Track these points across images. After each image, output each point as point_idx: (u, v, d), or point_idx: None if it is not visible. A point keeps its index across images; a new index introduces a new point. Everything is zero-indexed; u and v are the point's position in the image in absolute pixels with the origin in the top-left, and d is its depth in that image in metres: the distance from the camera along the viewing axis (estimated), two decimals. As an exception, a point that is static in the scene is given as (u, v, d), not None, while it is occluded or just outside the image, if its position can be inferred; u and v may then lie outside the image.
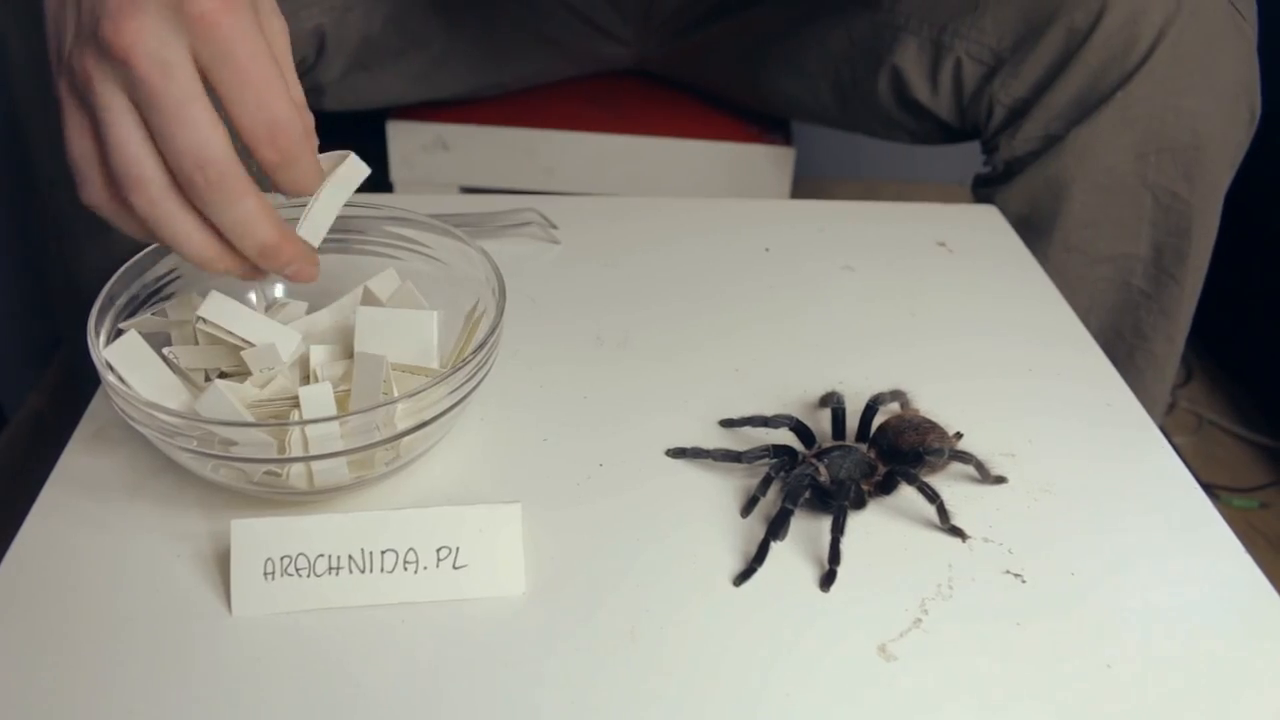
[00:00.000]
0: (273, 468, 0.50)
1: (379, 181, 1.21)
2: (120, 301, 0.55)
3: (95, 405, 0.59)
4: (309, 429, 0.48)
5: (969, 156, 0.93)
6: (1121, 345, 0.87)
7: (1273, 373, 1.53)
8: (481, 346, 0.51)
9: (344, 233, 0.61)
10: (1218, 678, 0.48)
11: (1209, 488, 0.53)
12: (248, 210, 0.46)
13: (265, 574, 0.48)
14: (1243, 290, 1.53)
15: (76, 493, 0.54)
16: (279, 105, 0.46)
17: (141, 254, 0.56)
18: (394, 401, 0.49)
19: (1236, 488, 1.40)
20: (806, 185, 1.07)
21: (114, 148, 0.45)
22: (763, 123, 1.20)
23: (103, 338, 0.53)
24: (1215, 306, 1.50)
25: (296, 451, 0.48)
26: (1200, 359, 1.63)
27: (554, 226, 0.77)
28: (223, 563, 0.50)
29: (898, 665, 0.47)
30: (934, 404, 0.60)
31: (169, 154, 0.45)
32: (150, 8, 0.44)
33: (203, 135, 0.44)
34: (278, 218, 0.47)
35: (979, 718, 0.45)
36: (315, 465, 0.50)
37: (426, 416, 0.50)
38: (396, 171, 1.21)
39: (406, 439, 0.50)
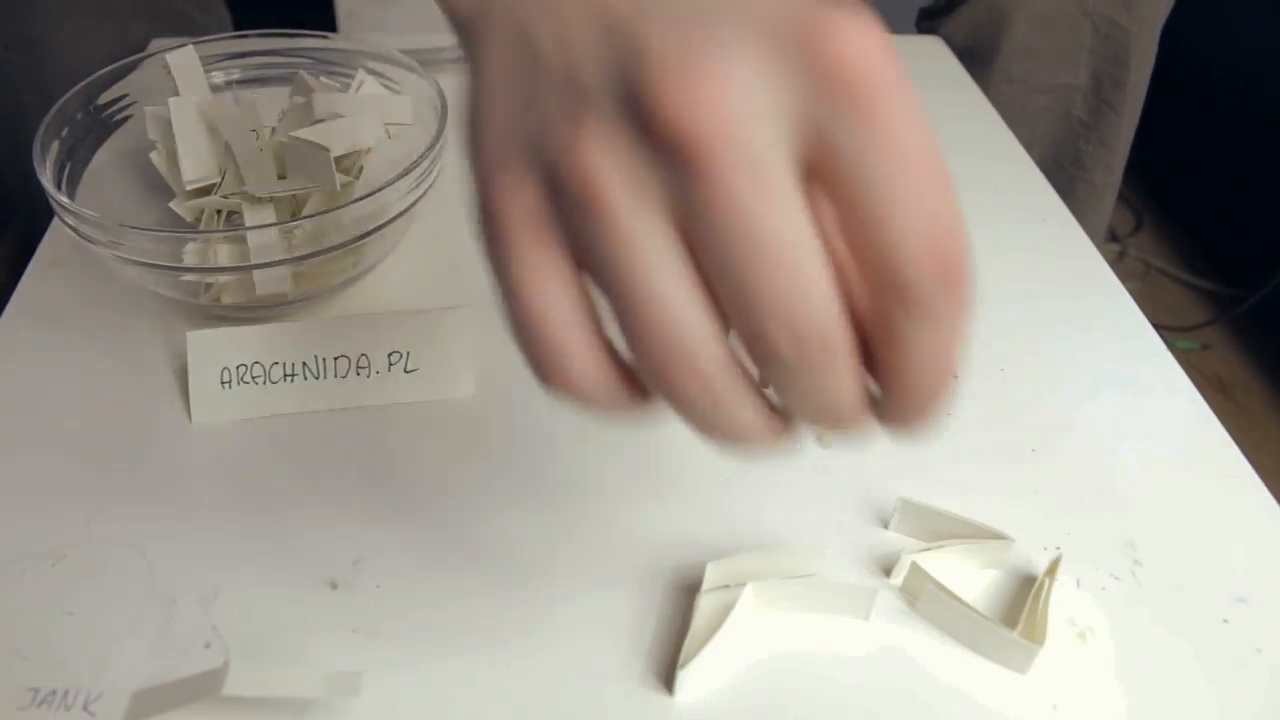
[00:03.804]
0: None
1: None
2: (64, 131, 0.55)
3: (49, 237, 0.60)
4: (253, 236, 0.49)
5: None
6: (1061, 176, 0.89)
7: (1219, 217, 1.56)
8: (427, 153, 0.52)
9: (290, 64, 0.62)
10: (1135, 450, 0.51)
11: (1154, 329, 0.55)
12: (840, 384, 0.27)
13: (222, 383, 0.50)
14: (1191, 138, 1.55)
15: (35, 318, 0.55)
16: (953, 225, 0.26)
17: (82, 85, 0.57)
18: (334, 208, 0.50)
19: (1180, 327, 1.44)
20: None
21: (644, 301, 0.27)
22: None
23: (49, 162, 0.53)
24: (1165, 154, 1.52)
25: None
26: (1149, 207, 1.65)
27: (501, 61, 0.76)
28: (181, 377, 0.51)
29: (827, 453, 0.50)
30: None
31: (741, 310, 0.26)
32: (744, 53, 0.25)
33: (812, 296, 0.26)
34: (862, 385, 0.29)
35: (907, 492, 0.47)
36: (276, 271, 0.51)
37: (377, 220, 0.51)
38: (344, 28, 1.19)
39: (359, 243, 0.51)
